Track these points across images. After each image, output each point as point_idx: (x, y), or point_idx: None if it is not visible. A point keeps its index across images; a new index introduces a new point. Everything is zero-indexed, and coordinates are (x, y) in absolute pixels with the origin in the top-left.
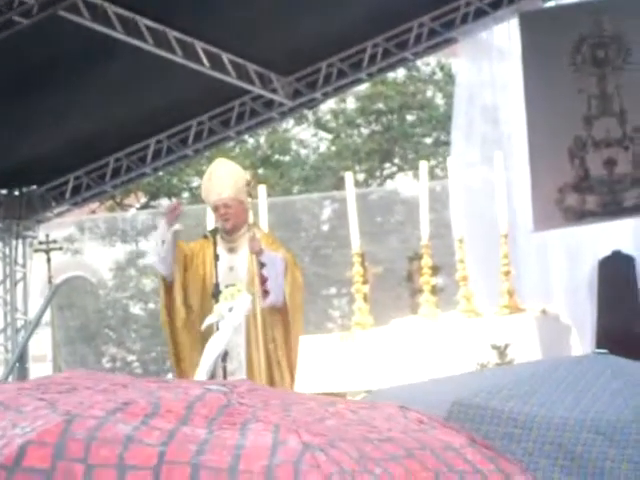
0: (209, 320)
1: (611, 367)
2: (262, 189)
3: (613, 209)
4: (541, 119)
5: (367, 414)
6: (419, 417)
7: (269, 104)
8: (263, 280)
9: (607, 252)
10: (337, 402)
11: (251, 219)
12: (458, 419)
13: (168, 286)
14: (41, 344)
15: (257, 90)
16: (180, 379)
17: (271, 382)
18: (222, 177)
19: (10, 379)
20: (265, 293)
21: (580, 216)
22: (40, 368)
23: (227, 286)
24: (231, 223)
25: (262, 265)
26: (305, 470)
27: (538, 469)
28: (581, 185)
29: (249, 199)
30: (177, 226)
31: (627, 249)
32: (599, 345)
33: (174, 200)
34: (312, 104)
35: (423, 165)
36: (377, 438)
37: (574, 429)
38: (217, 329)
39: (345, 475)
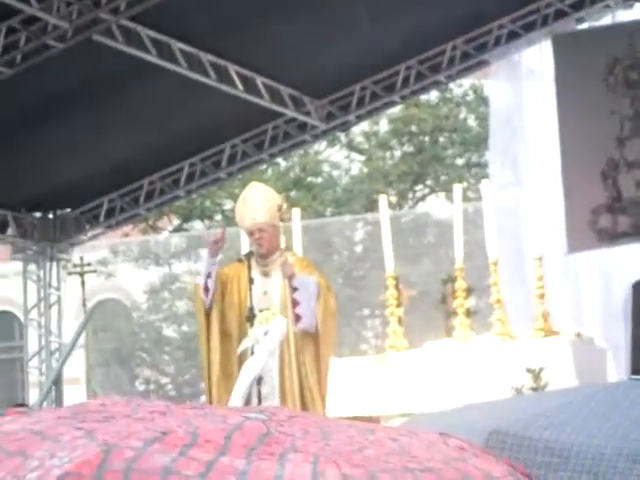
0: (244, 344)
1: None
2: (296, 212)
3: None
4: (574, 141)
5: (407, 442)
6: (459, 444)
7: (302, 127)
8: (295, 304)
9: None
10: (377, 430)
11: (283, 243)
12: (495, 448)
13: (206, 312)
14: (75, 367)
15: (290, 113)
16: (217, 405)
17: (303, 407)
18: (256, 201)
19: (45, 403)
20: (297, 317)
21: (613, 237)
22: (74, 390)
23: (261, 310)
24: (265, 247)
25: (294, 289)
26: None
27: None
28: (614, 206)
29: (281, 223)
30: (220, 257)
31: None
32: (634, 370)
33: (218, 230)
34: (345, 127)
35: (457, 188)
36: (417, 468)
37: (612, 458)
38: (252, 353)
39: None
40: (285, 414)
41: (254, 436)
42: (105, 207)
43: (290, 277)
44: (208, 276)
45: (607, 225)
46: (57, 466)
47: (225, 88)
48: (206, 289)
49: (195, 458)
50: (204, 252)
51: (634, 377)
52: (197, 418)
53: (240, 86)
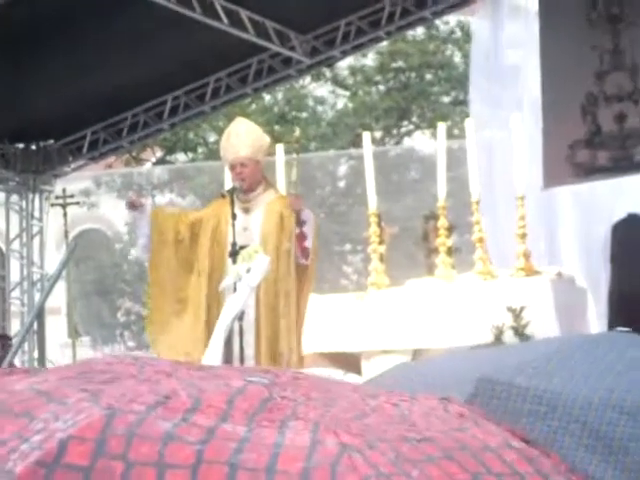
0: (226, 281)
1: (635, 345)
2: (279, 148)
3: (624, 164)
4: (554, 76)
5: (407, 408)
6: (460, 411)
7: (287, 62)
8: (303, 238)
9: (622, 214)
10: (379, 394)
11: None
12: (484, 395)
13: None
14: (56, 297)
15: (275, 48)
16: (222, 366)
17: (277, 341)
18: (240, 136)
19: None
20: (304, 251)
21: (591, 172)
22: (55, 321)
23: (241, 247)
24: (247, 183)
25: (303, 223)
26: (342, 472)
27: (563, 447)
28: (592, 141)
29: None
30: (147, 205)
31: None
32: (612, 309)
33: (132, 195)
34: (330, 62)
35: (441, 127)
36: (415, 438)
37: (599, 408)
38: (234, 290)
39: (381, 477)
40: (288, 377)
41: (256, 401)
42: (88, 139)
43: (298, 211)
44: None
45: (585, 160)
46: (61, 429)
47: (210, 22)
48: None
49: (197, 424)
50: (187, 184)
51: (621, 329)
52: (201, 381)
53: (225, 20)
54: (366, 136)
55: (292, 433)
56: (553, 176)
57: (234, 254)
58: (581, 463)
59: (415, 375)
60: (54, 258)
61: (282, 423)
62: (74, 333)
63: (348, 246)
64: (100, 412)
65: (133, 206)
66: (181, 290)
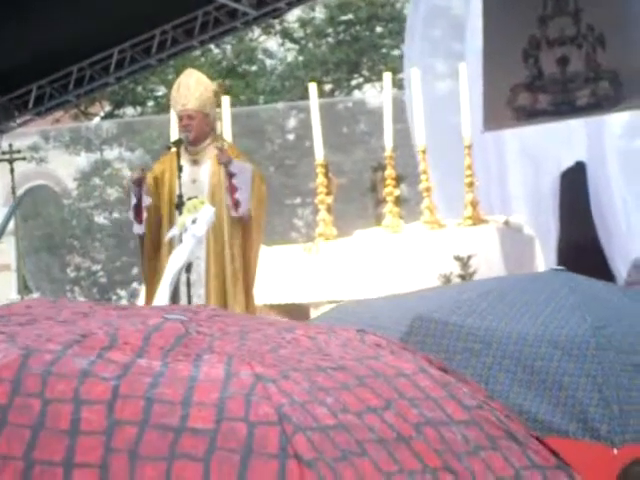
0: (172, 232)
1: (569, 283)
2: (225, 100)
3: (565, 108)
4: (497, 21)
5: (324, 339)
6: (377, 341)
7: (233, 13)
8: (234, 190)
9: (567, 161)
10: (296, 327)
11: (218, 131)
12: (419, 334)
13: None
14: (5, 254)
15: (221, 0)
16: (143, 306)
17: (225, 294)
18: (188, 88)
19: None
20: (236, 203)
21: (531, 115)
22: (4, 277)
23: (190, 198)
24: (193, 134)
25: (232, 175)
26: (256, 401)
27: (497, 383)
28: (534, 84)
29: (217, 109)
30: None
31: (583, 156)
32: (562, 256)
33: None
34: (276, 13)
35: (387, 76)
36: (329, 367)
37: (533, 344)
38: (180, 241)
39: (295, 405)
40: (207, 313)
41: (172, 337)
42: (34, 94)
43: (227, 163)
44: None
45: (526, 103)
46: None
47: None
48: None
49: (112, 360)
50: (136, 138)
51: (556, 268)
52: (119, 319)
53: None
54: (312, 87)
55: (207, 366)
56: (493, 119)
57: (180, 206)
58: (516, 398)
59: (351, 316)
60: (1, 214)
61: (197, 357)
62: (23, 289)
63: (298, 199)
64: (16, 352)
65: (139, 183)
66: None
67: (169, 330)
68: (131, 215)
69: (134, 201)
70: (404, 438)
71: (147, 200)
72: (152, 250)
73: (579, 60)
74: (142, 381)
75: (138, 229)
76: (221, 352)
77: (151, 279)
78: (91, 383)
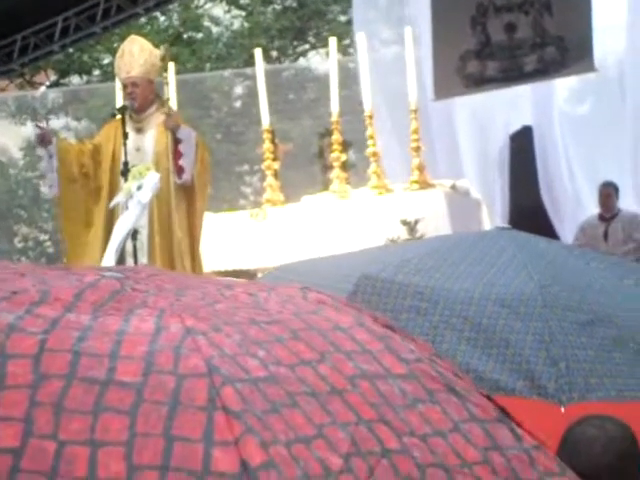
0: (118, 199)
1: (515, 241)
2: (171, 66)
3: (513, 75)
4: None
5: (264, 296)
6: (320, 298)
7: None
8: (178, 156)
9: (515, 126)
10: (236, 285)
11: (166, 97)
12: (365, 292)
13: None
14: None
15: None
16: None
17: (171, 260)
18: (132, 55)
19: None
20: (180, 169)
21: (480, 82)
22: None
23: (134, 165)
24: (138, 102)
25: (178, 141)
26: (185, 354)
27: (444, 342)
28: (482, 51)
29: (164, 75)
30: (53, 144)
31: (529, 121)
32: (512, 219)
33: (37, 124)
34: None
35: (332, 41)
36: (264, 321)
37: (479, 302)
38: (126, 208)
39: (225, 358)
40: (146, 272)
41: (106, 293)
42: None
43: (174, 129)
44: (53, 170)
45: (474, 71)
46: None
47: None
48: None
49: (40, 315)
50: (82, 107)
51: (502, 226)
52: (55, 279)
53: None
54: (258, 53)
55: (137, 320)
56: (444, 88)
57: (125, 173)
58: (463, 356)
59: (295, 275)
60: None
61: (129, 312)
62: None
63: (246, 167)
64: None
65: (44, 141)
66: (89, 216)
67: (103, 287)
68: (47, 181)
69: (45, 163)
70: (338, 390)
71: (55, 163)
72: (84, 219)
73: (526, 26)
74: (70, 335)
75: (52, 192)
76: (154, 307)
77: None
78: (17, 337)
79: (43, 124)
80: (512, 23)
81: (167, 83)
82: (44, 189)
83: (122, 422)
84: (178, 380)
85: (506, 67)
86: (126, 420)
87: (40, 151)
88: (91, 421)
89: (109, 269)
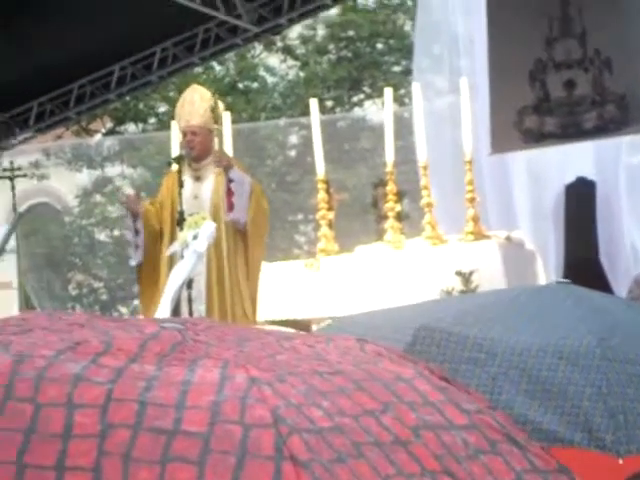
0: (173, 247)
1: (572, 296)
2: (226, 115)
3: (572, 131)
4: (503, 42)
5: (323, 348)
6: (377, 350)
7: (233, 30)
8: (230, 193)
9: (572, 178)
10: (295, 337)
11: (216, 146)
12: (424, 343)
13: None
14: (6, 271)
15: (221, 16)
16: (141, 318)
17: (231, 310)
18: (193, 104)
19: None
20: (230, 206)
21: (539, 138)
22: (5, 295)
23: (191, 214)
24: (197, 150)
25: (230, 180)
26: (251, 404)
27: (502, 393)
28: (541, 107)
29: (216, 126)
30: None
31: (590, 174)
32: (565, 271)
33: (130, 192)
34: (277, 30)
35: (388, 91)
36: (326, 372)
37: (538, 354)
38: (181, 257)
39: (291, 408)
40: (204, 324)
41: (168, 344)
42: (35, 111)
43: (227, 168)
44: (137, 234)
45: (533, 126)
46: None
47: None
48: (136, 246)
49: (106, 365)
50: (137, 155)
51: (560, 280)
52: (115, 329)
53: None
54: (313, 103)
55: (201, 370)
56: (501, 142)
57: (181, 222)
58: (521, 408)
59: (353, 327)
60: (2, 231)
61: (192, 362)
62: (25, 307)
63: (300, 215)
64: (9, 358)
65: (135, 215)
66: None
67: (165, 338)
68: (132, 252)
69: (130, 236)
70: (402, 441)
71: (141, 238)
72: (151, 272)
73: (586, 83)
74: (135, 385)
75: (134, 260)
76: (217, 357)
77: (150, 297)
78: (84, 387)
79: (132, 198)
80: (572, 80)
81: (221, 135)
82: (131, 257)
83: (190, 472)
84: (245, 430)
85: (565, 123)
86: (194, 470)
87: (128, 222)
88: (159, 471)
89: (168, 320)
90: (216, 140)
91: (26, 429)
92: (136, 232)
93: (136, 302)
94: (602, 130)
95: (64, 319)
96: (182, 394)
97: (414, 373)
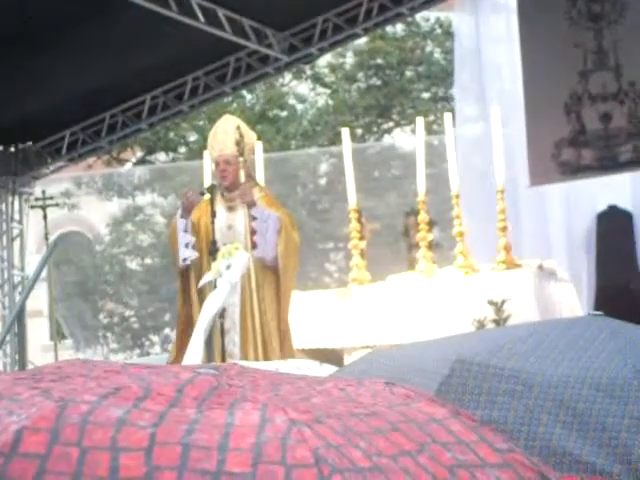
0: (207, 278)
1: (608, 328)
2: (258, 145)
3: (609, 163)
4: (537, 74)
5: (354, 391)
6: (405, 392)
7: (265, 59)
8: (252, 232)
9: (604, 207)
10: (325, 381)
11: (242, 178)
12: (460, 376)
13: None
14: (37, 300)
15: (253, 46)
16: (172, 365)
17: (262, 342)
18: (225, 133)
19: (8, 337)
20: (254, 245)
21: (576, 170)
22: (37, 323)
23: (225, 244)
24: (229, 180)
25: (252, 218)
26: (292, 445)
27: (540, 425)
28: (577, 139)
29: (241, 159)
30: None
31: (624, 204)
32: (597, 300)
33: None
34: (308, 59)
35: (419, 121)
36: (362, 413)
37: (575, 386)
38: (215, 287)
39: (331, 449)
40: (237, 370)
41: (205, 389)
42: (67, 140)
43: (249, 204)
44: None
45: (570, 158)
46: (15, 422)
47: (187, 20)
48: (186, 244)
49: (148, 409)
50: (168, 184)
51: (594, 313)
52: (151, 375)
53: (202, 18)
54: (345, 132)
55: (241, 413)
56: (539, 174)
57: (214, 252)
58: (558, 440)
59: (388, 360)
60: (35, 261)
61: (231, 406)
62: (56, 335)
63: (331, 244)
64: (52, 404)
65: (188, 211)
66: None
67: (201, 382)
68: (181, 253)
69: (181, 226)
70: None
71: (189, 237)
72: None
73: (621, 116)
74: (178, 428)
75: (188, 259)
76: (255, 401)
77: (184, 326)
78: (128, 431)
79: (191, 193)
80: (608, 113)
81: (243, 166)
82: (183, 257)
83: None
84: (287, 470)
85: (601, 156)
86: None
87: (180, 223)
88: None
89: (200, 366)
90: (242, 173)
91: (73, 473)
92: (185, 230)
93: (167, 331)
94: (638, 163)
95: (99, 366)
96: (224, 436)
97: (446, 414)
